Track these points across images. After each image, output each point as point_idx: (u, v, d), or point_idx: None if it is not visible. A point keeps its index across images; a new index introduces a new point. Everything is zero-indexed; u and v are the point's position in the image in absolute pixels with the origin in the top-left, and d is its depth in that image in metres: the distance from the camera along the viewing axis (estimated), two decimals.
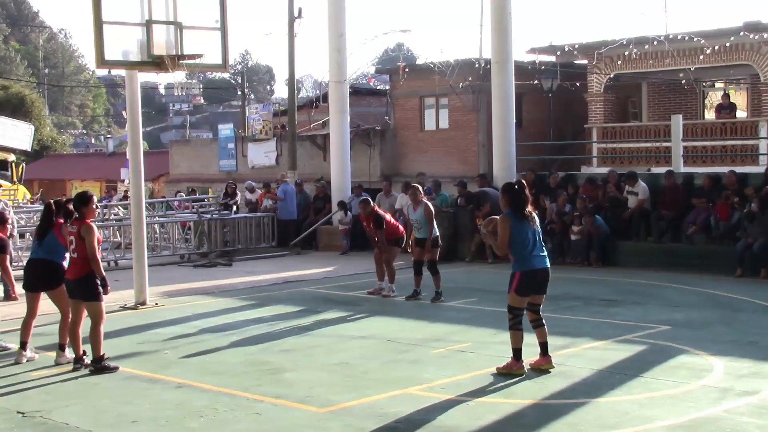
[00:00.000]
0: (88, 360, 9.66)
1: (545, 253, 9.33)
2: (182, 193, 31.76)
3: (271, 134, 32.78)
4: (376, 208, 15.34)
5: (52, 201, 10.48)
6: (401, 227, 15.29)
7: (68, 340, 9.96)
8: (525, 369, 9.03)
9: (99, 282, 9.48)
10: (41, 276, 10.07)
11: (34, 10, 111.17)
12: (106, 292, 9.58)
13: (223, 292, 15.80)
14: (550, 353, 9.32)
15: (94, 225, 9.67)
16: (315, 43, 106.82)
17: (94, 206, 9.88)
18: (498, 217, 9.24)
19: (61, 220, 9.99)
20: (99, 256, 9.60)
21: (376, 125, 29.66)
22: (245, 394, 8.46)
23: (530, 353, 9.24)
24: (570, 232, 18.59)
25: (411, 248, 14.63)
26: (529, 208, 9.17)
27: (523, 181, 9.45)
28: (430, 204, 14.50)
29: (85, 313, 9.68)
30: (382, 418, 7.56)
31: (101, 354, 9.56)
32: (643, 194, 18.45)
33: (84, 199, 9.72)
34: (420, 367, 9.52)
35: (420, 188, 14.81)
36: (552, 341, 10.21)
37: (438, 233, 14.42)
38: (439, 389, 8.49)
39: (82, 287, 9.48)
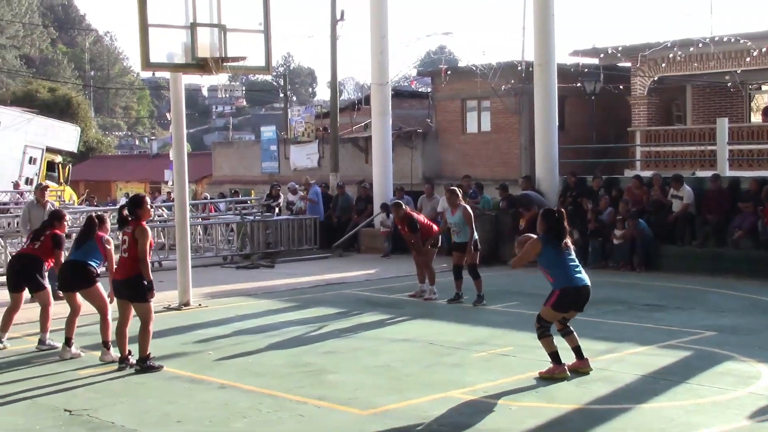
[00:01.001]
0: (133, 360, 9.78)
1: (584, 273, 9.25)
2: (207, 195, 32.06)
3: (313, 136, 32.95)
4: (408, 210, 15.27)
5: (94, 215, 10.88)
6: (435, 228, 15.15)
7: (111, 338, 10.13)
8: (568, 372, 8.99)
9: (146, 285, 9.63)
10: (73, 276, 10.36)
11: (80, 13, 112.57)
12: (150, 296, 9.73)
13: (265, 294, 15.89)
14: (592, 357, 9.27)
15: (148, 228, 9.83)
16: (357, 45, 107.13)
17: (149, 207, 10.10)
18: (534, 236, 9.27)
19: (102, 234, 10.37)
20: (149, 259, 9.75)
21: (418, 128, 29.69)
22: (288, 395, 8.50)
23: (568, 358, 9.19)
24: (612, 235, 18.45)
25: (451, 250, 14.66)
26: (567, 240, 9.15)
27: (563, 210, 9.43)
28: (468, 207, 14.42)
29: (133, 312, 9.81)
30: (425, 421, 7.56)
31: (147, 353, 9.67)
32: (687, 198, 18.24)
33: (138, 201, 9.94)
34: (462, 370, 9.50)
35: (457, 191, 14.69)
36: (595, 346, 10.18)
37: (477, 236, 14.34)
38: (481, 393, 8.47)
39: (131, 288, 9.62)
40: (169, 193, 33.01)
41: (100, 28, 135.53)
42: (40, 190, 16.25)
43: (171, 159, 16.15)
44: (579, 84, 25.87)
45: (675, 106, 29.50)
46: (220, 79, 16.16)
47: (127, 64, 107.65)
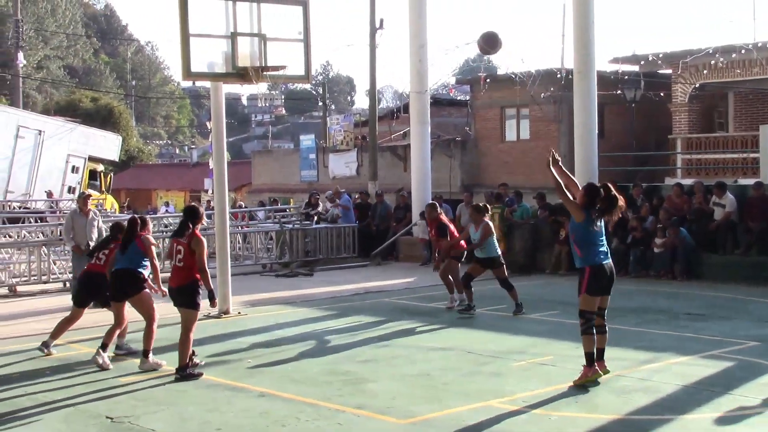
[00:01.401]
0: (197, 360, 9.90)
1: (608, 251, 9.24)
2: (242, 204, 32.27)
3: (351, 145, 33.04)
4: (442, 216, 15.23)
5: (137, 216, 11.12)
6: (463, 241, 14.83)
7: (151, 344, 10.31)
8: (600, 372, 9.01)
9: (208, 294, 9.89)
10: (122, 284, 10.49)
11: (123, 23, 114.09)
12: (213, 304, 10.11)
13: (304, 302, 15.94)
14: (633, 367, 9.20)
15: (203, 238, 10.04)
16: (396, 53, 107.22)
17: (203, 216, 10.48)
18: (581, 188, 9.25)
19: (144, 233, 10.56)
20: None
21: (457, 136, 29.66)
22: (327, 403, 8.52)
23: (614, 365, 9.12)
24: (653, 244, 18.28)
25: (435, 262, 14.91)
26: (613, 217, 9.13)
27: (609, 185, 9.25)
28: (490, 224, 14.19)
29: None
30: (464, 431, 7.53)
31: (187, 361, 9.75)
32: (730, 206, 18.02)
33: (195, 211, 10.20)
34: (501, 379, 9.46)
35: (483, 208, 14.47)
36: (636, 355, 10.14)
37: (500, 252, 14.24)
38: (520, 402, 8.42)
39: (185, 295, 9.84)
40: (208, 201, 33.25)
41: (141, 38, 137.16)
42: (83, 198, 16.43)
43: (210, 168, 16.26)
44: (619, 91, 25.70)
45: (717, 113, 29.18)
46: (260, 87, 16.29)
47: (168, 73, 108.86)
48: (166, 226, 23.42)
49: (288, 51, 14.08)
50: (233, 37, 13.42)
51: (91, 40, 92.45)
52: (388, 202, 25.07)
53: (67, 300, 15.26)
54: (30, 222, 23.95)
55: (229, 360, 10.81)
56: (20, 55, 45.10)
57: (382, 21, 28.03)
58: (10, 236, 21.11)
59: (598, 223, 9.07)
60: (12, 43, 48.94)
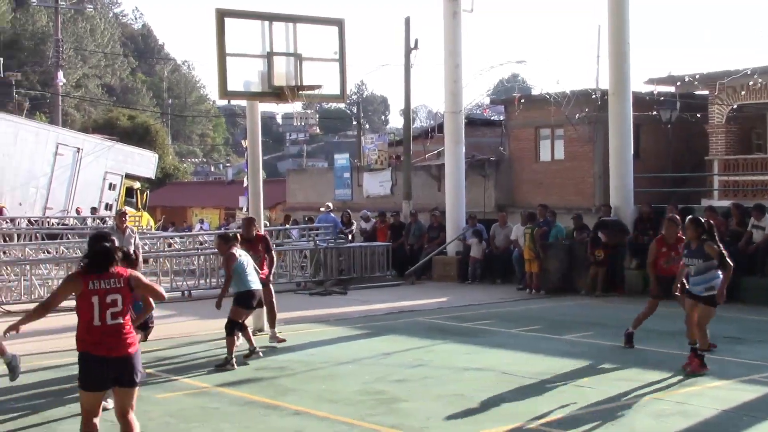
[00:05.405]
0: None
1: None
2: (266, 223, 32.34)
3: (386, 164, 33.07)
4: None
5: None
6: (264, 271, 12.80)
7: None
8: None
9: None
10: None
11: (159, 42, 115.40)
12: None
13: (338, 321, 15.94)
14: (670, 390, 9.07)
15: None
16: (430, 73, 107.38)
17: None
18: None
19: None
20: None
21: (491, 156, 29.59)
22: (361, 422, 8.49)
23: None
24: None
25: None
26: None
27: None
28: (236, 253, 11.80)
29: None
30: None
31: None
32: None
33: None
34: (537, 400, 9.38)
35: (229, 236, 12.71)
36: (674, 378, 9.98)
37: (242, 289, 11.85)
38: (555, 424, 8.35)
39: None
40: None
41: (178, 57, 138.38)
42: (120, 215, 16.59)
43: (245, 186, 16.36)
44: (655, 112, 25.53)
45: (755, 135, 28.87)
46: (295, 106, 16.42)
47: (204, 92, 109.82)
48: (201, 243, 23.56)
49: (323, 70, 14.18)
50: (269, 56, 13.53)
51: (129, 59, 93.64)
52: (422, 221, 25.06)
53: None
54: (68, 238, 24.19)
55: (263, 378, 10.83)
56: (60, 74, 45.78)
57: (416, 41, 28.13)
58: (48, 252, 21.34)
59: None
60: (52, 62, 49.70)
